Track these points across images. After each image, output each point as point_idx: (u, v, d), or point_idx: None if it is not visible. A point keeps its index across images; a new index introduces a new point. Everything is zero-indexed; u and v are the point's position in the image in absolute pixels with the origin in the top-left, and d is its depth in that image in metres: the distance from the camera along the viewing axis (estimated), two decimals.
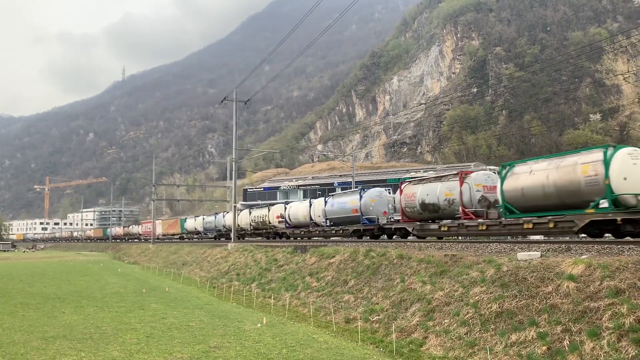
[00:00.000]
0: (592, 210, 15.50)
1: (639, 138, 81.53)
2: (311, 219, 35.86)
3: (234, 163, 41.23)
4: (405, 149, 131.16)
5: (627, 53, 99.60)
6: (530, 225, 17.44)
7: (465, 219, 21.11)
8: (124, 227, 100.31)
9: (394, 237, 27.17)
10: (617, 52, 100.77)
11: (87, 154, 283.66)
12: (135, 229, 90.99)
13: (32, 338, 12.92)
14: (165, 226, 75.68)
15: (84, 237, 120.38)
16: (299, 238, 36.18)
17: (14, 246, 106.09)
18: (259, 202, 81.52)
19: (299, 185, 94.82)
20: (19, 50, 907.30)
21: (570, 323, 9.27)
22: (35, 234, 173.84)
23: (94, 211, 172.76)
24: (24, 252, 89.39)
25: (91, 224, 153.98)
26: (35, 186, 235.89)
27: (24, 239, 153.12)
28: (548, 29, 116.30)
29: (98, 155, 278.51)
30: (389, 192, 32.89)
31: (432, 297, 13.08)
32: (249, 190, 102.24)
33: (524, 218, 17.84)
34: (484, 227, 19.49)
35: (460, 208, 21.63)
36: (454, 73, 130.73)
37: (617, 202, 15.07)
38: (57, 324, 15.05)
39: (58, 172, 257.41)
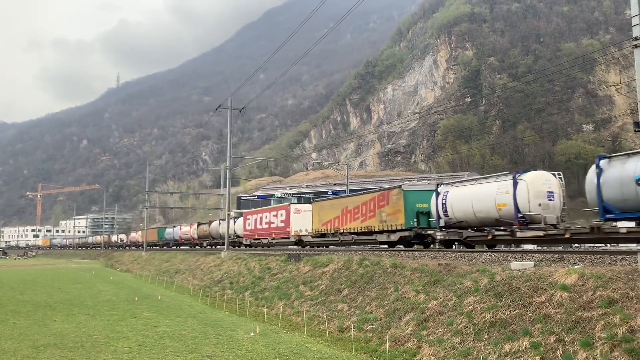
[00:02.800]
0: None
1: (632, 149, 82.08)
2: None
3: (228, 171, 41.21)
4: (400, 157, 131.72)
5: (619, 64, 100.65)
6: None
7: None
8: (199, 224, 61.25)
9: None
10: (609, 63, 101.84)
11: (81, 161, 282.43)
12: (222, 227, 49.41)
13: (23, 347, 12.79)
14: (329, 212, 31.84)
15: (126, 243, 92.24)
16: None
17: (5, 253, 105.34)
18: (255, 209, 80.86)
19: (293, 194, 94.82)
20: (13, 56, 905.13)
21: (563, 333, 9.28)
22: (64, 238, 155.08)
23: (87, 218, 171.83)
24: (15, 259, 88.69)
25: (83, 231, 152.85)
26: (28, 193, 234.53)
27: (50, 244, 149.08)
28: (541, 39, 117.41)
29: (91, 162, 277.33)
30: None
31: (426, 307, 13.06)
32: (242, 198, 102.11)
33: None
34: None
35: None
36: (447, 83, 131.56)
37: None
38: (48, 332, 14.91)
39: (51, 179, 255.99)
